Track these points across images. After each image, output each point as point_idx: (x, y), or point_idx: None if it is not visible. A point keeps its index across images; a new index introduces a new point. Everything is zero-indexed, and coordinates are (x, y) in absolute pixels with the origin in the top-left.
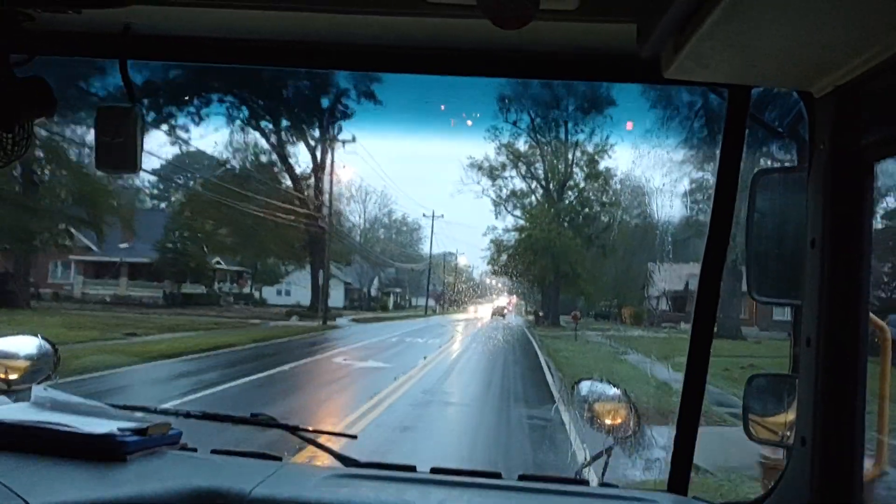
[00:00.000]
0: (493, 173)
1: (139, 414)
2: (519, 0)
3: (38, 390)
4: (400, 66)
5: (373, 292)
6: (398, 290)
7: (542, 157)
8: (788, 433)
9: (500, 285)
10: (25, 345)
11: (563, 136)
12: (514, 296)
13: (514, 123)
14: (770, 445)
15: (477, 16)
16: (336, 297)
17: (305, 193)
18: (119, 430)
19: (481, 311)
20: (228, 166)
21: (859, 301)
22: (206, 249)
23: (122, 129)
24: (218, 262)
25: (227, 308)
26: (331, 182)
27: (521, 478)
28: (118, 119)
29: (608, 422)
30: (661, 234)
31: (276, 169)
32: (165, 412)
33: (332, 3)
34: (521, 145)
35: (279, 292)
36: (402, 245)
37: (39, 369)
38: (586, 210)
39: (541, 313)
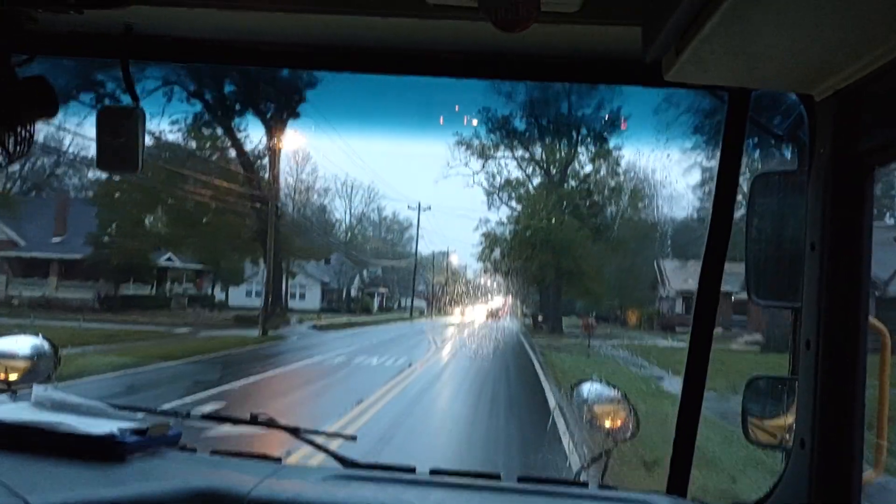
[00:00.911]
0: (484, 153)
1: (139, 414)
2: (521, 3)
3: (38, 390)
4: (402, 68)
5: (354, 292)
6: (383, 290)
7: (540, 135)
8: (788, 435)
9: (495, 286)
10: (26, 345)
11: (565, 110)
12: (510, 296)
13: (509, 95)
14: (769, 448)
15: (479, 18)
16: (311, 299)
17: (259, 174)
18: (119, 430)
19: (474, 314)
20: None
21: (859, 304)
22: (144, 242)
23: (124, 129)
24: (169, 259)
25: (179, 312)
26: (281, 162)
27: (521, 479)
28: (120, 119)
29: (608, 424)
30: (677, 227)
31: (220, 143)
32: (165, 413)
33: (333, 5)
34: (517, 121)
35: (249, 293)
36: (392, 243)
37: (40, 369)
38: (592, 198)
39: (540, 317)
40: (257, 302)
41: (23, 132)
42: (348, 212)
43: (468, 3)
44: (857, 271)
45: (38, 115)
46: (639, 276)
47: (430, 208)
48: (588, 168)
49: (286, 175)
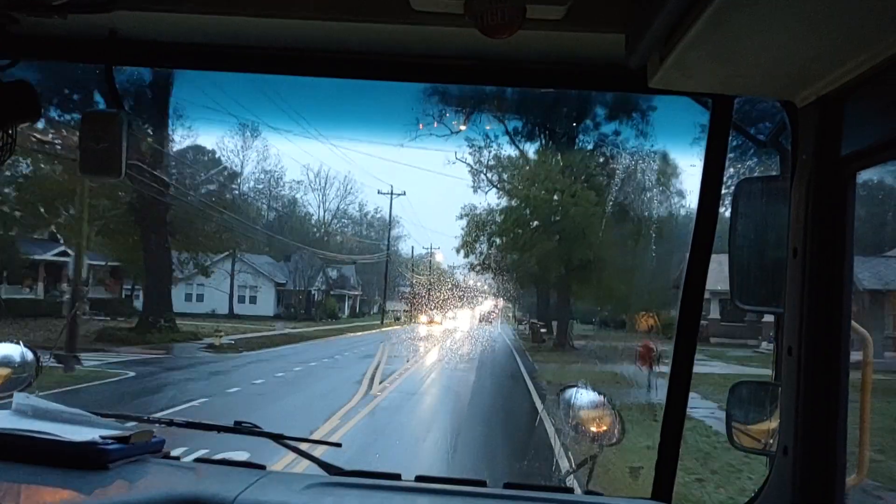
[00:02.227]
0: (464, 106)
1: (122, 422)
2: (506, 9)
3: (19, 398)
4: (388, 73)
5: (318, 295)
6: (355, 292)
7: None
8: (771, 441)
9: (485, 287)
10: (6, 352)
11: None
12: (501, 299)
13: None
14: (753, 453)
15: (465, 24)
16: (264, 303)
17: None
18: (101, 437)
19: (459, 321)
20: None
21: (841, 310)
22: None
23: (107, 135)
24: (63, 253)
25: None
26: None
27: (507, 486)
28: (103, 124)
29: (593, 429)
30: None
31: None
32: (148, 420)
33: (319, 11)
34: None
35: (189, 297)
36: (373, 240)
37: (21, 377)
38: (612, 166)
39: (543, 328)
40: (199, 308)
41: (4, 136)
42: (322, 206)
43: (454, 9)
44: (838, 277)
45: (21, 119)
46: (666, 269)
47: (404, 193)
48: (606, 127)
49: (228, 154)
